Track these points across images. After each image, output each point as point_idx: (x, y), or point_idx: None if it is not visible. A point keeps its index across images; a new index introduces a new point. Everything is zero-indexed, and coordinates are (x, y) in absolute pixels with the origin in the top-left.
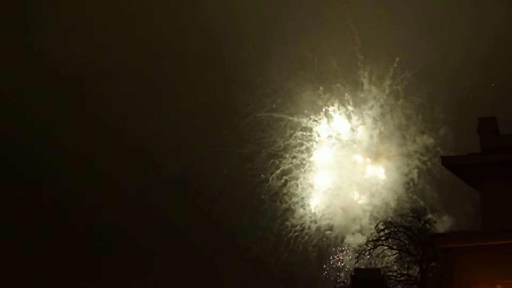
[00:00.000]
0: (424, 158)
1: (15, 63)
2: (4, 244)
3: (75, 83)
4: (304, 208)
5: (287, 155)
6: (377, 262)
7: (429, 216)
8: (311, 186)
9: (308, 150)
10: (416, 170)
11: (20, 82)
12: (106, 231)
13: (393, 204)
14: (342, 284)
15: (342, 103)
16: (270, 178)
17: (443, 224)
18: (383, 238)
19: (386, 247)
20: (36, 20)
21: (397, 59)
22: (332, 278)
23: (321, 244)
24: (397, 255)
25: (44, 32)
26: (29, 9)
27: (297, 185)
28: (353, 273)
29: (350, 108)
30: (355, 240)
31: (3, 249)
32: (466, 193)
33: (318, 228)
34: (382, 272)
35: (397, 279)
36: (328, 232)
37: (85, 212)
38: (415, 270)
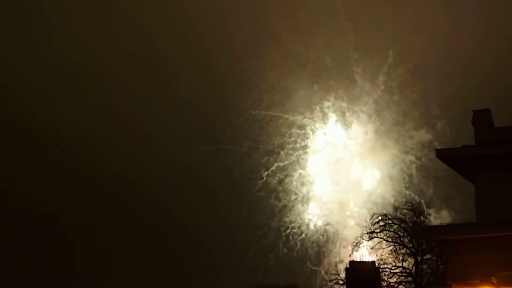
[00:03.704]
0: (421, 153)
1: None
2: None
3: (74, 80)
4: (302, 205)
5: (283, 152)
6: (371, 255)
7: (424, 208)
8: (309, 182)
9: (304, 147)
10: (414, 166)
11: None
12: (99, 230)
13: (390, 199)
14: (337, 276)
15: (337, 100)
16: (267, 175)
17: (442, 219)
18: (377, 231)
19: (381, 239)
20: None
21: (391, 52)
22: (327, 267)
23: (319, 240)
24: (392, 247)
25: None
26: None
27: (294, 182)
28: (348, 266)
29: (345, 104)
30: (352, 234)
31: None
32: (466, 187)
33: (316, 224)
34: (377, 264)
35: (391, 271)
36: (326, 227)
37: (82, 209)
38: (410, 263)
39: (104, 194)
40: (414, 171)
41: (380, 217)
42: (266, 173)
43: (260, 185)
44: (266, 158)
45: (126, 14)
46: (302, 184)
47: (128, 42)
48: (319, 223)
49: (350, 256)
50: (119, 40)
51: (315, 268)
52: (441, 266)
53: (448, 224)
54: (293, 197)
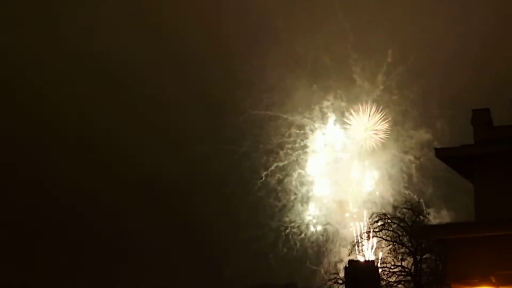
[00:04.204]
0: (421, 153)
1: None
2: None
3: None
4: (301, 205)
5: (282, 152)
6: (371, 254)
7: (423, 208)
8: (308, 182)
9: (303, 147)
10: (413, 165)
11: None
12: (104, 231)
13: (389, 198)
14: (336, 275)
15: (336, 100)
16: (267, 175)
17: (441, 218)
18: (377, 230)
19: (380, 239)
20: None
21: (390, 51)
22: (326, 265)
23: (319, 239)
24: (391, 246)
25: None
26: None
27: (293, 182)
28: (347, 265)
29: (344, 104)
30: (352, 233)
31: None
32: (465, 187)
33: (315, 224)
34: (376, 264)
35: (391, 270)
36: (325, 227)
37: (83, 212)
38: (409, 262)
39: (102, 195)
40: (413, 171)
41: (379, 217)
42: (265, 173)
43: (259, 185)
44: (265, 158)
45: (129, 11)
46: (302, 184)
47: (130, 41)
48: (319, 223)
49: (349, 255)
50: (123, 35)
51: (315, 267)
52: (440, 265)
53: (447, 223)
54: (292, 197)
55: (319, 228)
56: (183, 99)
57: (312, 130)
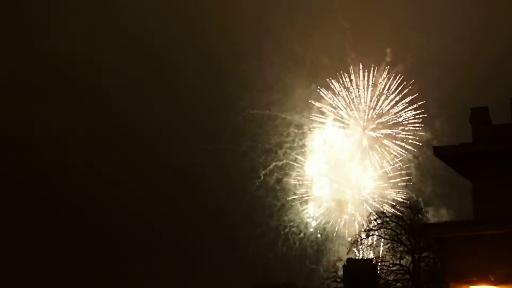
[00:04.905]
0: (420, 152)
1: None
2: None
3: (78, 79)
4: (300, 204)
5: (281, 152)
6: (369, 252)
7: (422, 206)
8: (307, 181)
9: (302, 146)
10: (412, 164)
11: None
12: (105, 231)
13: (388, 197)
14: (334, 273)
15: (334, 99)
16: (265, 175)
17: (440, 217)
18: (375, 228)
19: (378, 237)
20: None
21: (388, 50)
22: (325, 263)
23: (318, 238)
24: (389, 245)
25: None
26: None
27: (292, 181)
28: (345, 263)
29: (343, 104)
30: (351, 232)
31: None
32: (464, 186)
33: (314, 223)
34: (374, 262)
35: (389, 269)
36: (324, 226)
37: (84, 212)
38: (407, 260)
39: (100, 195)
40: (412, 170)
41: (378, 215)
42: (264, 172)
43: (258, 184)
44: (264, 157)
45: (127, 13)
46: (301, 183)
47: (129, 41)
48: (318, 222)
49: (347, 254)
50: (121, 39)
51: (314, 266)
52: (439, 264)
53: (445, 222)
54: (291, 196)
55: (318, 227)
56: (182, 98)
57: (310, 130)
